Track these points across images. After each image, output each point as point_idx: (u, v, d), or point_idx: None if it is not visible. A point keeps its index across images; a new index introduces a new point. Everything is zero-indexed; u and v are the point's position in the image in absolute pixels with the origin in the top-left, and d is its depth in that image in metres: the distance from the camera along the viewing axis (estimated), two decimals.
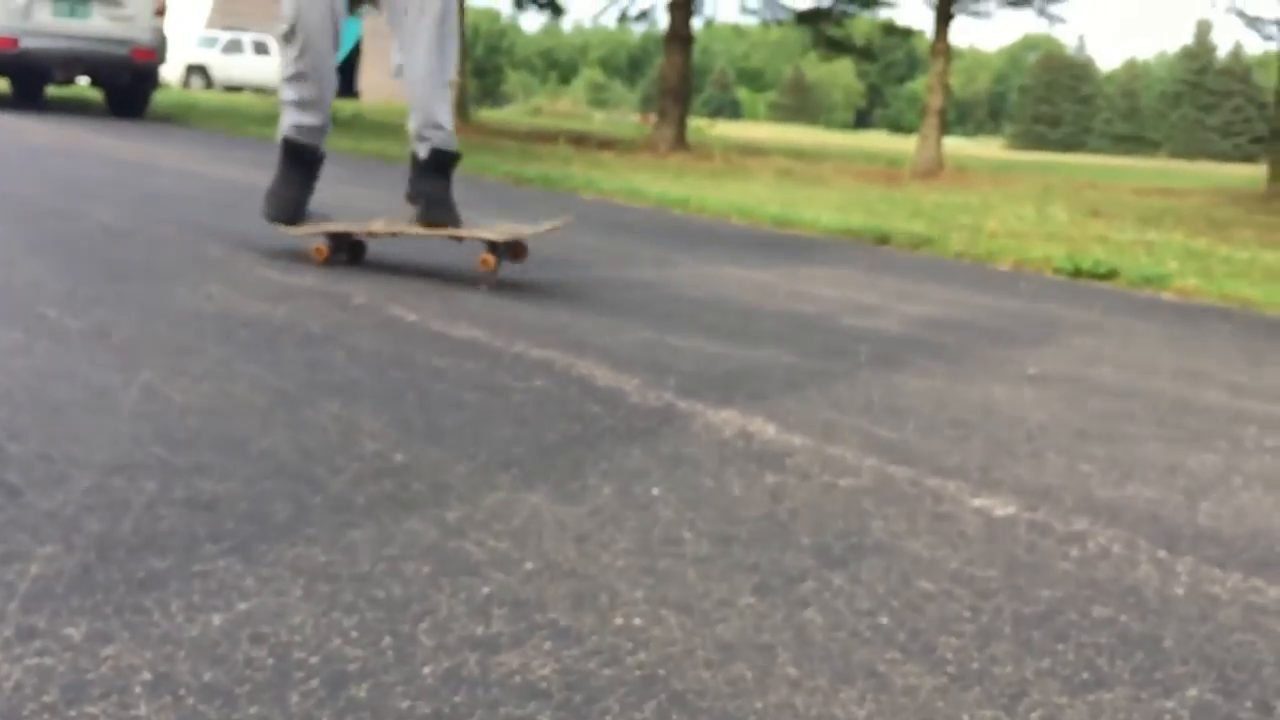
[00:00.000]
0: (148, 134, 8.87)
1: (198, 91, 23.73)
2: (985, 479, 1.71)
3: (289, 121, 3.29)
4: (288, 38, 3.19)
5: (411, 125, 3.27)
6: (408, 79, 3.22)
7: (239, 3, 28.20)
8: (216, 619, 1.09)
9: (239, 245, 3.37)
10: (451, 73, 3.32)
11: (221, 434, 1.63)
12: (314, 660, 1.03)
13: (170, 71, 24.56)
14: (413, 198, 3.24)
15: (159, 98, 12.18)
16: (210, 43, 29.57)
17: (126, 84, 10.96)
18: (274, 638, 1.06)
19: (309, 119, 3.29)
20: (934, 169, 13.10)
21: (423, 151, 3.25)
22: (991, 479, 1.71)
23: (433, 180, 3.22)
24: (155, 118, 11.05)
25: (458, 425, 1.77)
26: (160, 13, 10.82)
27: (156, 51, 10.82)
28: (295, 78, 3.23)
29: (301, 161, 3.31)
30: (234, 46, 29.59)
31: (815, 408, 2.05)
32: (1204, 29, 68.91)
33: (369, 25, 35.30)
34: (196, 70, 28.58)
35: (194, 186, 5.28)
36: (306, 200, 3.32)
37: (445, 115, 3.27)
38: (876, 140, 39.16)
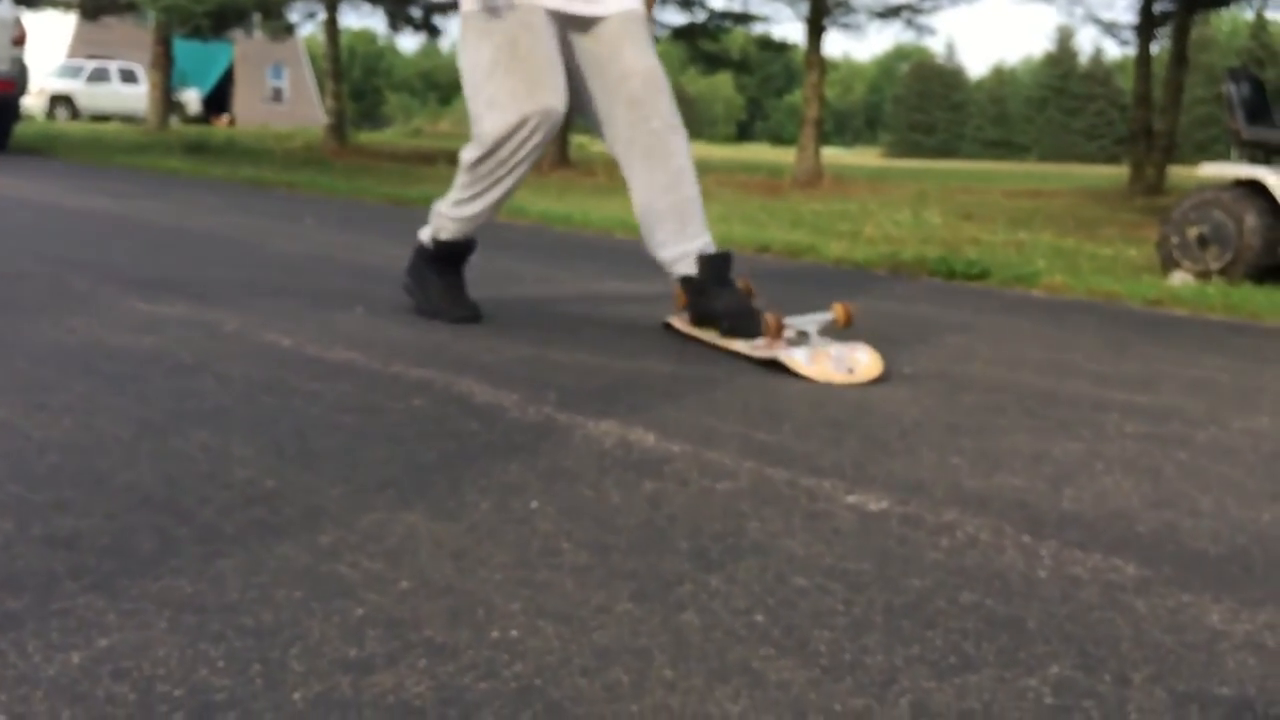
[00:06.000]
0: (9, 168, 8.57)
1: (63, 122, 23.04)
2: (860, 476, 1.75)
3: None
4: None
5: (659, 253, 2.81)
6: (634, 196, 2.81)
7: (102, 31, 27.42)
8: (76, 657, 1.05)
9: (104, 278, 3.27)
10: (689, 176, 2.81)
11: (83, 469, 1.58)
12: (178, 693, 1.00)
13: (33, 102, 23.78)
14: (703, 319, 2.76)
15: (22, 130, 11.77)
16: (75, 72, 28.75)
17: None
18: (136, 672, 1.03)
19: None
20: (813, 178, 13.33)
21: (687, 267, 2.78)
22: (866, 476, 1.75)
23: (722, 293, 2.73)
24: (18, 150, 10.67)
25: (332, 448, 1.74)
26: (19, 42, 10.46)
27: (16, 82, 10.46)
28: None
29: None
30: (100, 75, 28.82)
31: (694, 415, 2.07)
32: (1066, 35, 71.38)
33: (240, 50, 34.64)
34: (61, 100, 27.76)
35: (58, 220, 5.12)
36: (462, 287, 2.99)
37: (696, 222, 2.78)
38: (758, 152, 39.70)
